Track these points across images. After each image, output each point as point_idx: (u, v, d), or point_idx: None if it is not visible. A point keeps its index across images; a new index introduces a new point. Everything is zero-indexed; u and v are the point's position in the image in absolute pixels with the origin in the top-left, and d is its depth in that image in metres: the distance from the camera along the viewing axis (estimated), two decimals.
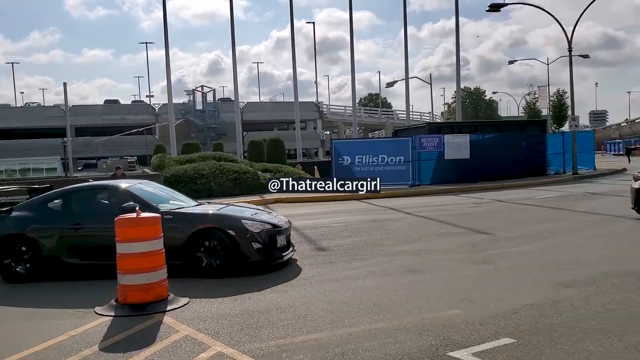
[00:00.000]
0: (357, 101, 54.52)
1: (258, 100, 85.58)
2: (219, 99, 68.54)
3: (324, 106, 73.85)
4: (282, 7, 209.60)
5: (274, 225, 8.52)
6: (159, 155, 33.99)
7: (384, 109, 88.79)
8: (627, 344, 4.55)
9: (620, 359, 4.26)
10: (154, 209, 8.07)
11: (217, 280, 7.72)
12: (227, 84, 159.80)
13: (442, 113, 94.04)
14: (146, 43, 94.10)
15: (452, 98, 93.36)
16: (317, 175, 28.51)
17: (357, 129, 50.19)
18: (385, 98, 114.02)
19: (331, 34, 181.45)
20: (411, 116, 66.04)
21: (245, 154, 40.71)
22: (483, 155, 24.55)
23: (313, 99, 78.09)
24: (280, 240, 8.51)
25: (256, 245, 8.15)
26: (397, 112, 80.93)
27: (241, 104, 63.04)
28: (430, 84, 62.34)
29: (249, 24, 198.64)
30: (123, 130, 59.68)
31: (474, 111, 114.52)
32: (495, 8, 26.29)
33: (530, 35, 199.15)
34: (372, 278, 7.47)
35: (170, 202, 9.15)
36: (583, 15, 33.93)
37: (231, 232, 8.07)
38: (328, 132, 76.76)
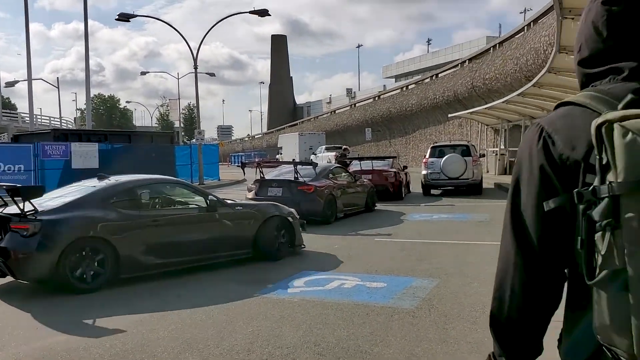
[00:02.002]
0: None
1: None
2: None
3: None
4: None
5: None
6: None
7: (7, 111, 78.73)
8: (223, 349, 4.89)
9: None
10: (222, 202, 8.53)
11: None
12: None
13: (74, 119, 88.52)
14: None
15: (85, 104, 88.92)
16: None
17: None
18: (8, 98, 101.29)
19: None
20: (40, 120, 60.29)
21: None
22: (113, 165, 23.82)
23: None
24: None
25: (301, 230, 9.38)
26: (23, 114, 72.57)
27: None
28: (58, 88, 58.20)
29: None
30: None
31: (108, 119, 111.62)
32: (124, 18, 26.04)
33: (164, 48, 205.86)
34: None
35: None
36: (213, 36, 36.47)
37: (290, 219, 9.07)
38: None
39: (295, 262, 8.73)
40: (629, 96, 1.13)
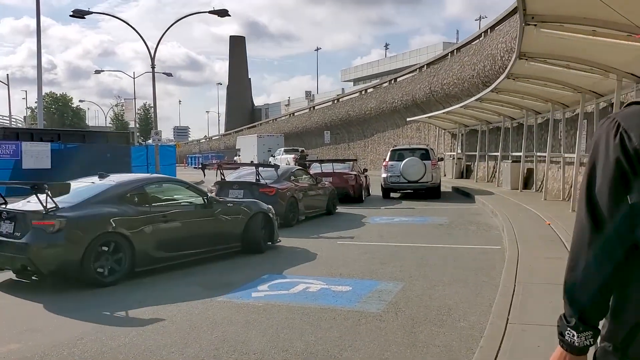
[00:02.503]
0: None
1: None
2: None
3: None
4: None
5: None
6: None
7: None
8: (187, 356, 4.74)
9: None
10: (217, 199, 9.30)
11: None
12: None
13: (24, 118, 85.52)
14: None
15: (36, 102, 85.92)
16: None
17: None
18: None
19: None
20: None
21: None
22: (66, 166, 23.18)
23: None
24: None
25: (277, 223, 10.11)
26: None
27: None
28: (8, 85, 56.12)
29: None
30: None
31: (60, 118, 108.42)
32: (79, 15, 25.25)
33: (120, 47, 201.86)
34: None
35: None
36: (170, 36, 35.86)
37: (270, 215, 9.80)
38: None
39: (259, 265, 8.59)
40: None
